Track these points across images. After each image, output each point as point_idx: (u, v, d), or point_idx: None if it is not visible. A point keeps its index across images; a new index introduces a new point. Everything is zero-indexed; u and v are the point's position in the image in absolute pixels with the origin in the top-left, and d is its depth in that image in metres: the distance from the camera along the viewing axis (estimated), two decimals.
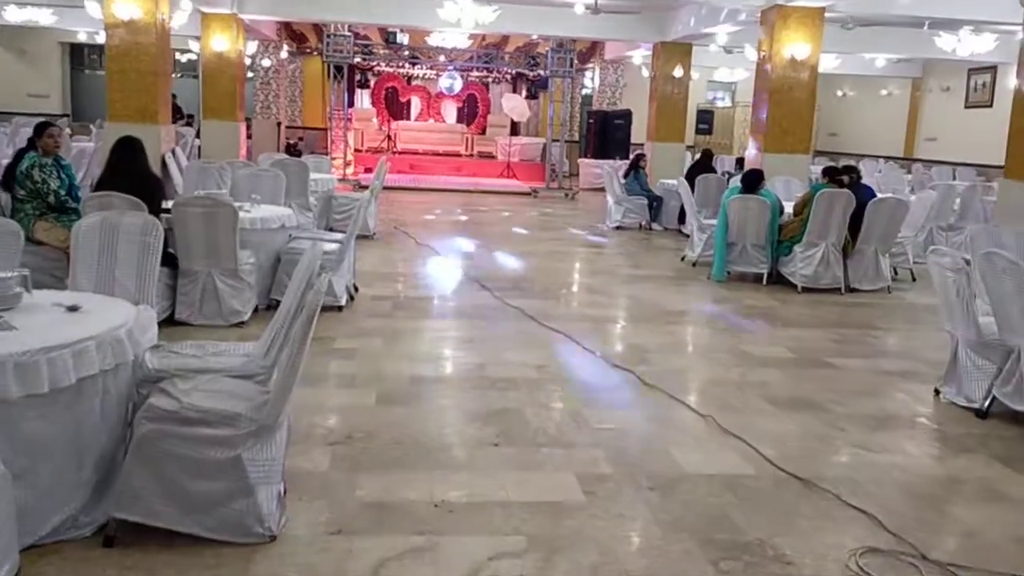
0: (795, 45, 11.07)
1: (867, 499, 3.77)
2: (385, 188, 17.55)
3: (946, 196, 10.60)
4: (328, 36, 17.12)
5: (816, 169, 13.79)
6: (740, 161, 12.85)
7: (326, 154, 17.95)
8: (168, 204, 6.14)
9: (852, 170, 9.05)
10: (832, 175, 8.81)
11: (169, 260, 6.06)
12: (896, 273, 9.30)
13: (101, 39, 19.37)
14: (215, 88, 14.96)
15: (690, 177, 12.41)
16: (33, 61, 22.82)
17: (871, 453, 4.37)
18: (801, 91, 11.23)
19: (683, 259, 10.25)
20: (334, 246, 6.86)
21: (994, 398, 4.92)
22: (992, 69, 18.68)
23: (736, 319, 7.30)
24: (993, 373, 4.94)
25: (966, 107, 19.82)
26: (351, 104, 24.71)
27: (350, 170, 20.18)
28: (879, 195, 9.12)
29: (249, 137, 20.41)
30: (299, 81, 22.44)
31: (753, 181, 8.94)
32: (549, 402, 4.90)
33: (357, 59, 18.59)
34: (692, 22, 14.30)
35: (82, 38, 20.16)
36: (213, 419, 3.03)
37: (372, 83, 24.74)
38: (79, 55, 24.57)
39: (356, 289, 7.49)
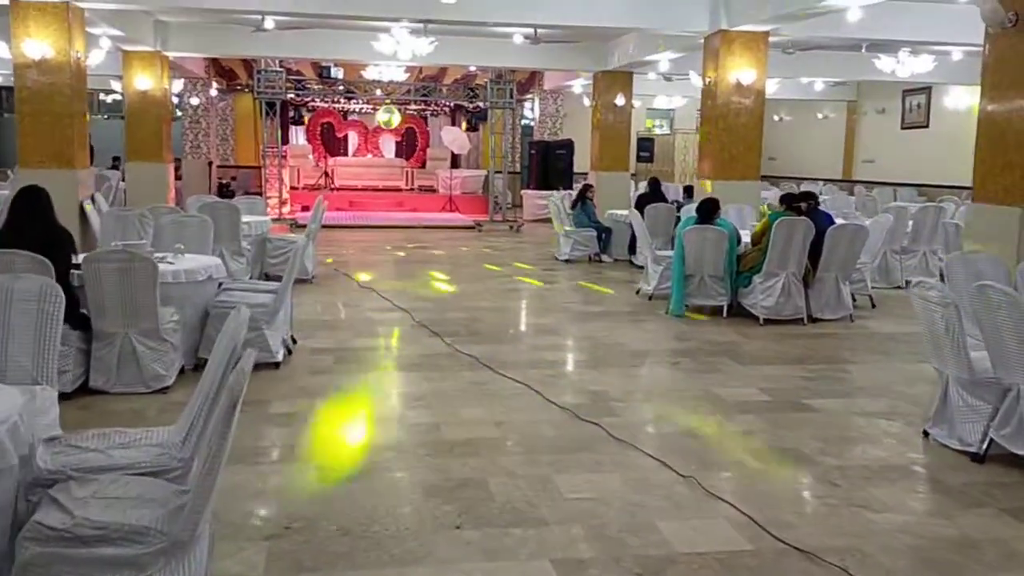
0: (741, 70, 10.87)
1: (880, 572, 3.34)
2: (324, 227, 16.99)
3: (898, 219, 10.43)
4: (258, 72, 16.52)
5: (767, 195, 13.64)
6: (688, 189, 12.61)
7: (259, 194, 17.27)
8: (80, 259, 5.52)
9: (810, 196, 8.78)
10: (789, 202, 8.52)
11: (82, 322, 5.44)
12: (855, 300, 9.03)
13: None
14: (140, 129, 14.26)
15: (639, 207, 12.12)
16: None
17: (873, 513, 3.95)
18: (748, 116, 11.02)
19: (638, 292, 9.87)
20: (268, 297, 6.29)
21: (991, 441, 4.56)
22: (926, 90, 18.90)
23: (702, 358, 6.90)
24: (989, 414, 4.59)
25: (902, 128, 20.02)
26: (286, 141, 24.09)
27: (286, 209, 19.54)
28: (837, 221, 8.86)
29: (179, 178, 19.71)
30: (231, 119, 21.75)
31: (709, 211, 8.61)
32: (514, 468, 4.39)
33: (290, 95, 17.99)
34: (632, 50, 14.09)
35: None
36: (115, 535, 2.46)
37: (307, 119, 24.19)
38: None
39: (294, 341, 6.91)
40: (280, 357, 6.26)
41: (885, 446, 4.94)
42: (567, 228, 12.75)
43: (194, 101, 19.36)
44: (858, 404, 5.76)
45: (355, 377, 6.18)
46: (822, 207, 9.12)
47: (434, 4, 9.59)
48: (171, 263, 6.17)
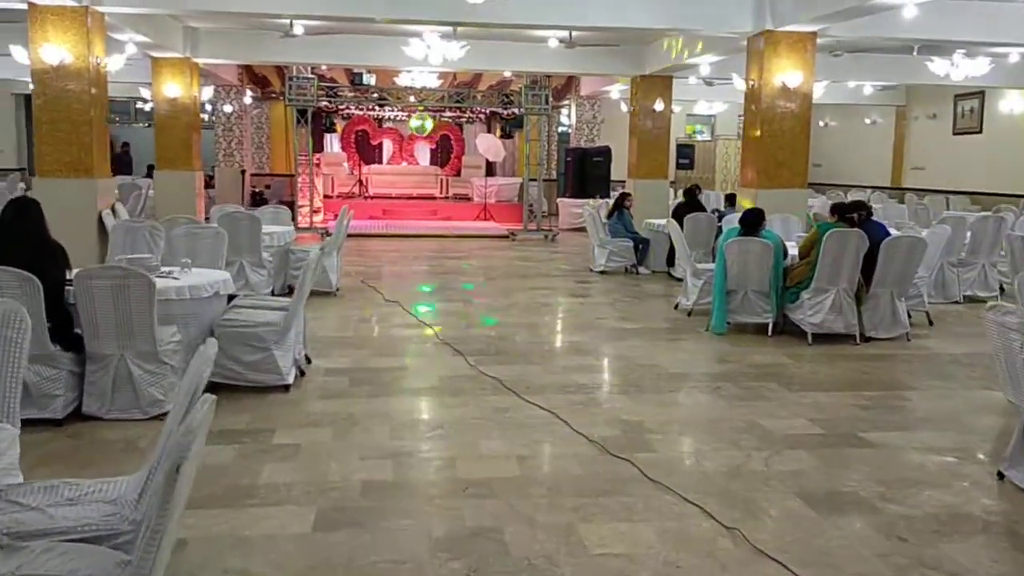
0: (787, 73, 10.30)
1: None
2: (355, 236, 16.72)
3: (956, 230, 9.77)
4: (290, 79, 16.24)
5: (814, 203, 13.00)
6: (730, 198, 12.03)
7: (291, 203, 17.00)
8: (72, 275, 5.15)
9: (862, 206, 8.19)
10: (841, 213, 7.94)
11: (74, 343, 5.07)
12: (911, 317, 8.40)
13: None
14: (169, 137, 14.05)
15: (677, 216, 11.57)
16: None
17: None
18: (795, 121, 10.44)
19: (676, 307, 9.34)
20: (278, 315, 5.88)
21: None
22: (980, 94, 18.10)
23: (746, 382, 6.36)
24: None
25: (954, 133, 19.22)
26: (320, 148, 23.87)
27: (319, 217, 19.28)
28: (892, 233, 8.25)
29: (212, 187, 19.55)
30: (266, 127, 21.54)
31: (753, 222, 8.05)
32: (535, 514, 3.91)
33: (322, 102, 17.70)
34: (671, 53, 13.56)
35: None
36: None
37: (341, 127, 23.94)
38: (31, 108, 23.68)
39: (308, 360, 6.51)
40: (291, 379, 5.85)
41: (955, 490, 4.37)
42: (602, 238, 12.25)
43: (227, 109, 19.17)
44: (921, 438, 5.18)
45: (369, 402, 5.74)
46: (875, 218, 8.51)
47: (462, 6, 9.15)
48: (176, 279, 5.79)
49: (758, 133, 10.48)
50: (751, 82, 10.66)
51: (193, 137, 14.19)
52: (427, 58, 12.31)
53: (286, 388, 5.79)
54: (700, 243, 11.15)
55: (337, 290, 9.89)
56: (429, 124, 21.33)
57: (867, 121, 22.19)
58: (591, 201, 16.67)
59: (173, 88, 13.87)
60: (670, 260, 11.77)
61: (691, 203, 12.01)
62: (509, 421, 5.32)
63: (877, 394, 6.13)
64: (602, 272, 12.11)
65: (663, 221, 12.21)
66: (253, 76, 19.21)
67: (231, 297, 6.26)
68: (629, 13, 10.45)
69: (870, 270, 7.76)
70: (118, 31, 11.18)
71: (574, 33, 12.76)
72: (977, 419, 5.64)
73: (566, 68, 15.22)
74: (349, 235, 16.70)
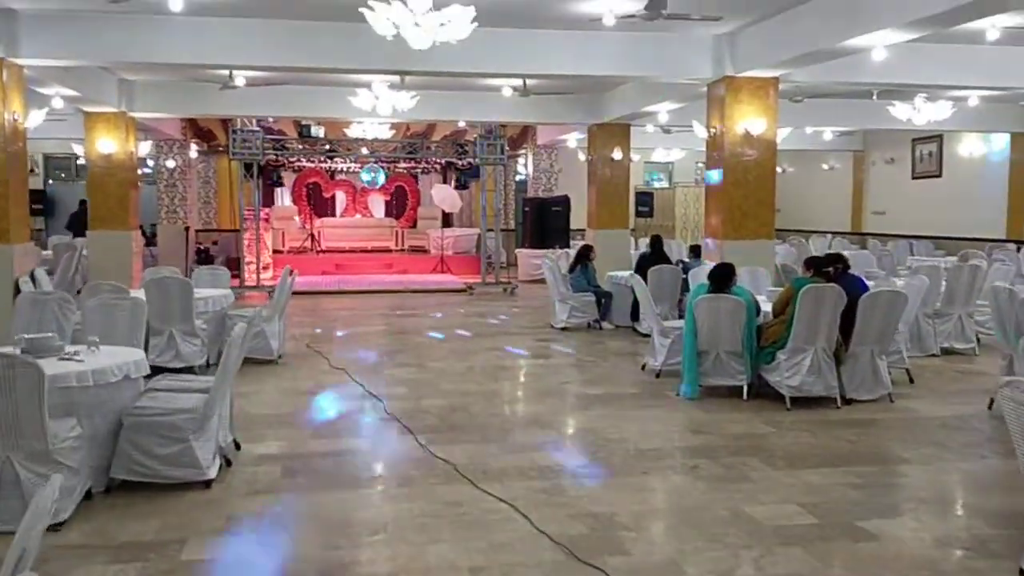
0: (749, 119, 9.92)
1: None
2: (306, 293, 15.99)
3: (931, 279, 9.36)
4: (234, 132, 15.61)
5: (779, 250, 12.59)
6: (695, 249, 11.56)
7: (238, 260, 16.28)
8: None
9: (839, 259, 7.73)
10: (816, 267, 7.46)
11: None
12: (891, 375, 7.90)
13: None
14: (103, 195, 13.31)
15: (641, 269, 11.08)
16: None
17: None
18: (759, 169, 10.04)
19: (644, 368, 8.78)
20: (199, 399, 5.17)
21: None
22: (938, 138, 18.03)
23: (725, 458, 5.76)
24: None
25: (913, 177, 19.12)
26: (271, 202, 23.17)
27: (268, 274, 18.54)
28: (869, 285, 7.79)
29: (154, 245, 18.72)
30: (212, 181, 20.82)
31: (723, 278, 7.54)
32: None
33: (269, 155, 17.09)
34: (629, 101, 13.21)
35: None
36: None
37: (293, 179, 23.29)
38: None
39: (237, 446, 5.80)
40: (213, 472, 5.12)
41: None
42: (563, 292, 11.69)
43: (170, 164, 18.44)
44: (925, 525, 4.61)
45: (302, 499, 5.04)
46: (851, 270, 8.05)
47: (409, 53, 8.61)
48: (80, 360, 5.07)
49: (722, 182, 10.05)
50: (712, 129, 10.27)
51: (130, 194, 13.47)
52: (375, 109, 11.79)
53: (207, 484, 5.06)
54: (665, 296, 10.64)
55: (279, 357, 9.18)
56: (381, 177, 20.81)
57: (825, 167, 22.11)
58: (550, 252, 16.18)
59: (107, 144, 13.15)
60: (634, 314, 11.25)
61: (657, 254, 11.53)
62: (462, 519, 4.65)
63: (869, 469, 5.56)
64: (564, 328, 11.54)
65: (626, 273, 11.72)
66: (197, 130, 18.54)
67: (156, 371, 5.56)
68: (585, 61, 10.01)
69: (849, 327, 7.27)
70: (42, 85, 10.52)
71: (529, 81, 12.38)
72: (983, 499, 5.11)
73: (521, 117, 14.80)
74: (299, 293, 16.07)
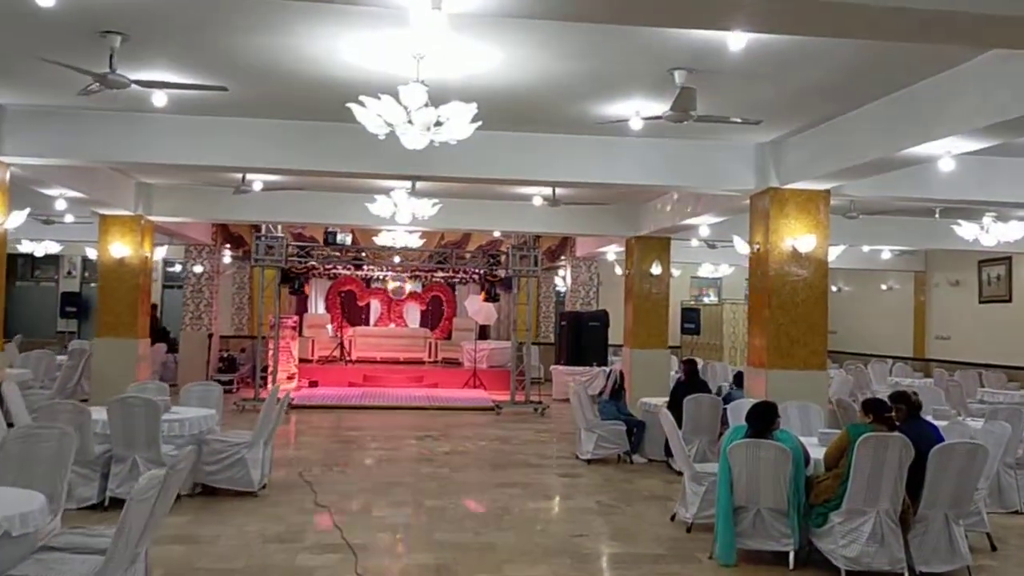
0: (797, 236, 8.90)
1: None
2: (327, 407, 15.09)
3: (1014, 421, 8.05)
4: (258, 238, 15.07)
5: (833, 376, 11.29)
6: (739, 377, 10.38)
7: (265, 369, 15.50)
8: None
9: (904, 400, 6.52)
10: (876, 411, 6.26)
11: None
12: (967, 540, 6.57)
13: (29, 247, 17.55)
14: (112, 300, 12.68)
15: (675, 399, 9.95)
16: None
17: None
18: (809, 292, 8.95)
19: (673, 518, 7.54)
20: (93, 566, 4.15)
21: None
22: (1006, 260, 16.74)
23: None
24: None
25: (980, 302, 17.73)
26: (304, 309, 22.59)
27: (292, 384, 17.73)
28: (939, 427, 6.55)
29: (175, 352, 18.09)
30: (247, 287, 20.33)
31: (763, 419, 6.38)
32: None
33: (293, 262, 16.52)
34: (667, 213, 12.33)
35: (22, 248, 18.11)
36: None
37: (327, 286, 22.77)
38: (10, 266, 22.67)
39: None
40: None
41: None
42: (590, 420, 10.55)
43: (197, 269, 17.96)
44: None
45: None
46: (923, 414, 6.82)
47: (421, 158, 7.85)
48: None
49: (766, 305, 8.97)
50: (755, 245, 9.27)
51: (140, 301, 12.83)
52: (395, 216, 11.04)
53: None
54: (703, 430, 9.48)
55: (263, 488, 8.16)
56: (409, 287, 20.12)
57: (883, 287, 20.84)
58: (582, 374, 15.16)
59: (121, 248, 12.62)
60: (669, 448, 10.03)
61: (692, 381, 10.38)
62: None
63: None
64: (589, 461, 10.35)
65: (662, 400, 10.58)
66: (228, 235, 18.13)
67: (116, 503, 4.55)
68: (615, 169, 9.17)
69: (918, 485, 6.03)
70: (42, 185, 10.03)
71: (560, 191, 11.62)
72: None
73: (553, 228, 13.98)
74: (319, 407, 15.22)
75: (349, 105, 6.01)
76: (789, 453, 6.20)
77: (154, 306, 17.42)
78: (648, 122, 7.67)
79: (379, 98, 5.88)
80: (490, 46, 6.18)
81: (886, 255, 17.72)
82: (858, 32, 4.77)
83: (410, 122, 6.01)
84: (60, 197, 10.73)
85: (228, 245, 18.56)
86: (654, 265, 13.71)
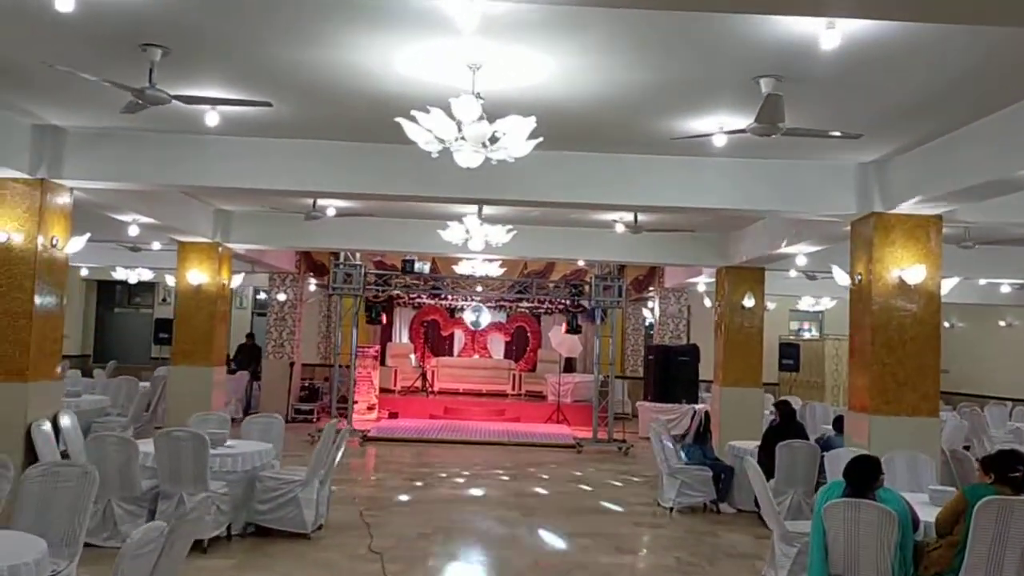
0: (905, 266, 7.98)
1: None
2: (405, 441, 14.68)
3: None
4: (336, 266, 14.85)
5: (946, 419, 10.15)
6: (839, 422, 9.42)
7: (343, 399, 15.23)
8: None
9: None
10: (998, 469, 5.35)
11: None
12: None
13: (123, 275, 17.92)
14: (188, 328, 12.57)
15: (767, 445, 9.10)
16: None
17: None
18: (919, 328, 7.99)
19: None
20: None
21: None
22: None
23: None
24: None
25: None
26: (388, 338, 22.36)
27: (372, 415, 17.44)
28: None
29: (258, 380, 18.02)
30: (335, 315, 20.22)
31: (864, 476, 5.52)
32: None
33: (371, 290, 16.25)
34: (759, 242, 11.47)
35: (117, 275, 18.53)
36: None
37: (411, 316, 22.51)
38: (108, 293, 23.31)
39: None
40: None
41: None
42: (673, 465, 9.75)
43: (281, 297, 17.90)
44: None
45: None
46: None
47: (487, 180, 7.34)
48: None
49: (869, 343, 8.06)
50: (857, 276, 8.37)
51: (217, 329, 12.69)
52: (467, 243, 10.56)
53: None
54: (798, 480, 8.60)
55: (317, 528, 7.70)
56: (486, 319, 19.70)
57: (1002, 323, 19.24)
58: (672, 410, 14.35)
59: (198, 275, 12.53)
60: None
61: (786, 425, 9.47)
62: None
63: None
64: (672, 509, 9.54)
65: (753, 444, 9.72)
66: (311, 263, 18.04)
67: None
68: (702, 192, 8.43)
69: None
70: (114, 211, 9.95)
71: (644, 217, 10.96)
72: None
73: (636, 256, 13.24)
74: (398, 440, 14.82)
75: (398, 120, 5.54)
76: (895, 516, 5.33)
77: (251, 335, 17.29)
78: (734, 140, 6.96)
79: (428, 111, 5.39)
80: (545, 55, 5.61)
81: (1005, 288, 16.26)
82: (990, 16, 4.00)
83: (463, 138, 5.51)
84: (133, 223, 10.64)
85: (311, 273, 18.48)
86: (746, 297, 12.81)
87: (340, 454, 8.22)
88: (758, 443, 9.64)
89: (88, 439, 7.12)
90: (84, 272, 20.65)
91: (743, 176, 8.37)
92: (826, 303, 19.75)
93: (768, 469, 8.10)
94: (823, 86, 5.89)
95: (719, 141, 6.72)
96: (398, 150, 7.41)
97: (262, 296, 21.46)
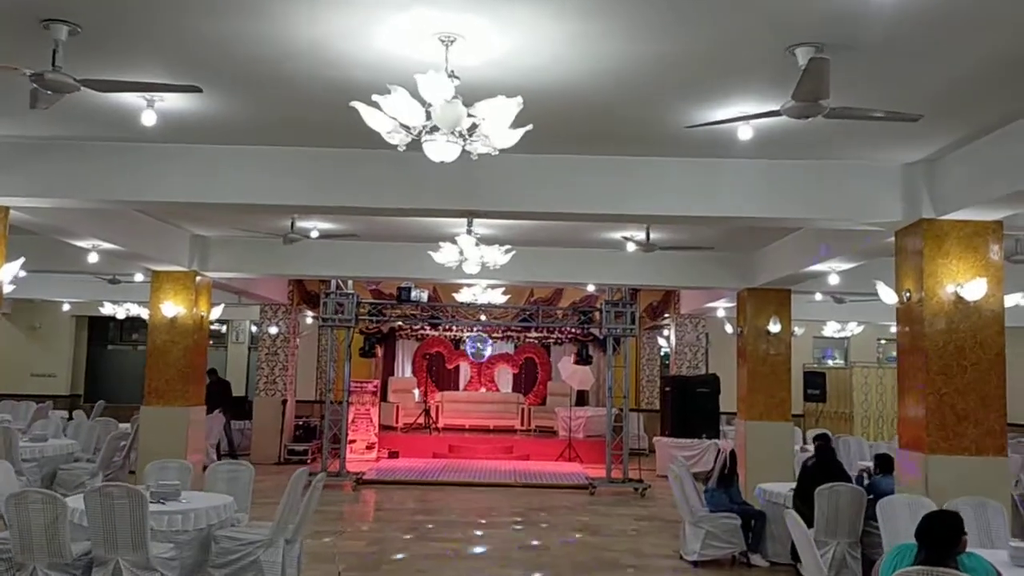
0: (962, 281, 6.87)
1: None
2: (404, 483, 13.57)
3: None
4: (326, 296, 13.83)
5: (1015, 459, 8.96)
6: (883, 461, 8.24)
7: (337, 440, 14.12)
8: None
9: None
10: None
11: None
12: None
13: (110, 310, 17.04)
14: (162, 365, 11.50)
15: (803, 486, 7.97)
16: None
17: None
18: (981, 352, 6.86)
19: None
20: None
21: None
22: None
23: None
24: None
25: None
26: (390, 372, 21.30)
27: (372, 455, 16.34)
28: None
29: (249, 418, 16.96)
30: (331, 349, 19.18)
31: (944, 539, 4.38)
32: None
33: (367, 321, 15.22)
34: (788, 259, 10.36)
35: (104, 311, 17.61)
36: None
37: (414, 348, 21.45)
38: (101, 329, 22.35)
39: None
40: None
41: None
42: (696, 513, 8.59)
43: (272, 330, 16.85)
44: None
45: None
46: None
47: (473, 189, 6.32)
48: None
49: (922, 370, 6.92)
50: (905, 294, 7.25)
51: (193, 365, 11.64)
52: (461, 266, 9.52)
53: None
54: (842, 528, 7.48)
55: None
56: (488, 350, 18.66)
57: None
58: (692, 445, 13.20)
59: (172, 307, 11.51)
60: (797, 549, 7.98)
61: (824, 464, 8.30)
62: None
63: None
64: (696, 563, 8.38)
65: (784, 488, 8.57)
66: (304, 293, 17.02)
67: None
68: (722, 198, 7.32)
69: None
70: (68, 235, 8.98)
71: (655, 233, 9.91)
72: None
73: (650, 278, 12.08)
74: (396, 482, 13.70)
75: (354, 104, 4.52)
76: None
77: (212, 371, 15.94)
78: (760, 134, 5.93)
79: (391, 92, 4.37)
80: (535, 21, 4.58)
81: None
82: None
83: (435, 127, 4.48)
84: (93, 249, 9.65)
85: (304, 304, 17.45)
86: (772, 322, 11.68)
87: (314, 504, 7.12)
88: (791, 485, 8.51)
89: (8, 496, 6.05)
90: (66, 307, 19.70)
91: (767, 180, 7.28)
92: (852, 328, 18.58)
93: (805, 515, 6.96)
94: (871, 56, 4.82)
95: (744, 133, 5.69)
96: (373, 156, 6.42)
97: (255, 330, 20.45)
